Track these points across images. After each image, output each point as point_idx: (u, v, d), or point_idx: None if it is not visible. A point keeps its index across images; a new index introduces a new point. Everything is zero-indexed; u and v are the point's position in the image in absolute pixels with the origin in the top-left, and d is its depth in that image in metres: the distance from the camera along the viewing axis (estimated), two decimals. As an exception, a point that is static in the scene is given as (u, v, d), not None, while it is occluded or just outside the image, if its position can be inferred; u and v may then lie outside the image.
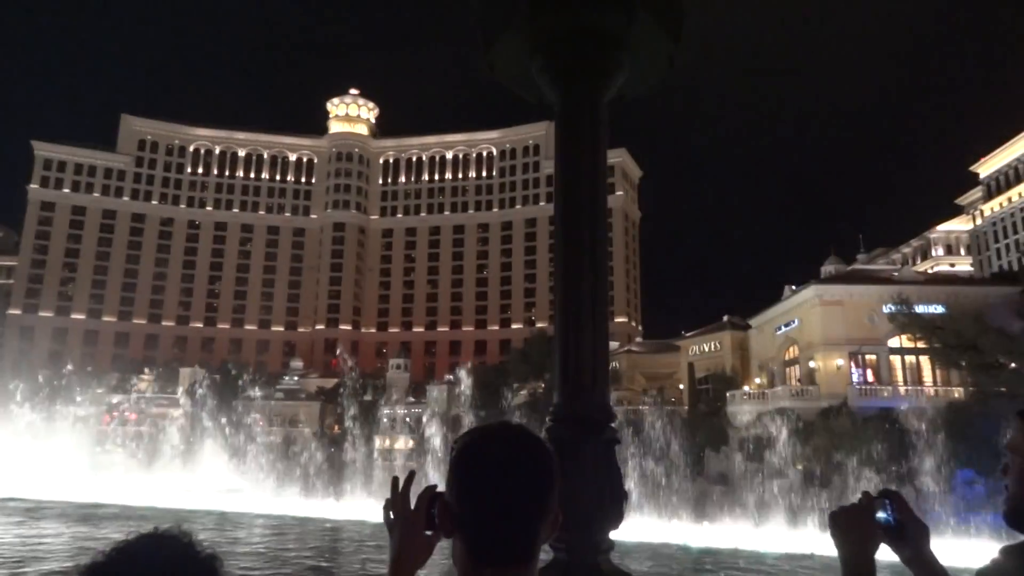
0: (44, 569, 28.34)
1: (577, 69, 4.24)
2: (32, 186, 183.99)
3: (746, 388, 77.40)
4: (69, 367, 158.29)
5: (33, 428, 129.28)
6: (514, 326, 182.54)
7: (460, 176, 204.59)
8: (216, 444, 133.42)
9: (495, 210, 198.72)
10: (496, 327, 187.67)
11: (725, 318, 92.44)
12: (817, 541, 35.00)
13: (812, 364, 69.14)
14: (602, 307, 4.04)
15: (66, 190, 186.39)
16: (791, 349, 75.59)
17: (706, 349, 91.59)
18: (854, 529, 2.28)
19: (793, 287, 79.50)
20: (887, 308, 65.17)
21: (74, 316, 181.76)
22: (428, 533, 2.14)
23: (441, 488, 2.15)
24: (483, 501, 1.93)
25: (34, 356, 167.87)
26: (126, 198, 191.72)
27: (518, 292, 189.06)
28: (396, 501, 2.21)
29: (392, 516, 2.19)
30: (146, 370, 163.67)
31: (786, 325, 75.80)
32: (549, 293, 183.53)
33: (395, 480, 2.28)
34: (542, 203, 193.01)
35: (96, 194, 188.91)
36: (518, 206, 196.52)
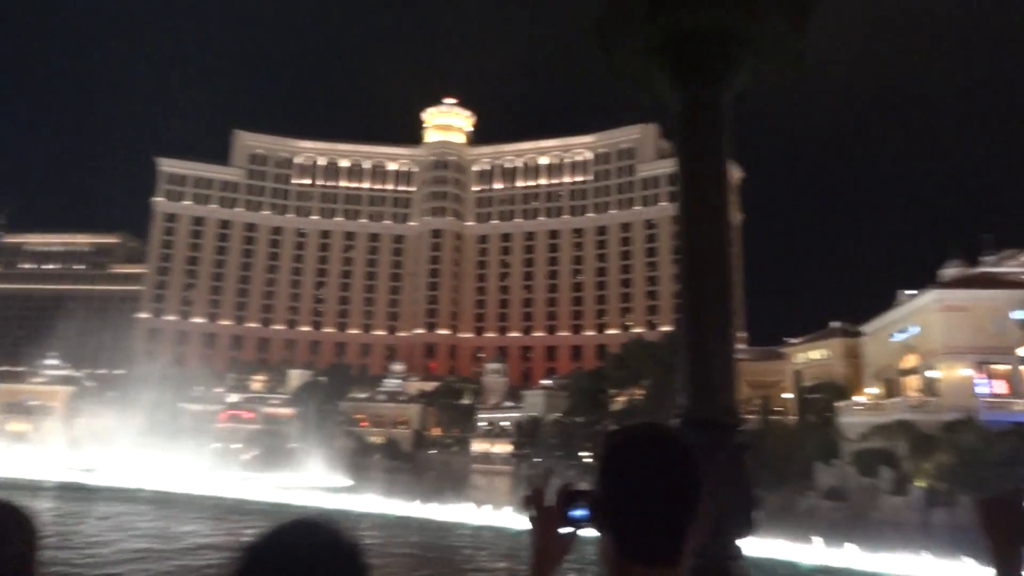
0: (193, 558, 30.34)
1: (698, 68, 4.15)
2: (157, 199, 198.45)
3: (859, 398, 73.40)
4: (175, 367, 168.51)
5: (159, 424, 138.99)
6: (610, 331, 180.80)
7: (554, 181, 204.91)
8: (324, 443, 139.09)
9: (590, 215, 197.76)
10: (592, 332, 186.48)
11: (835, 324, 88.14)
12: (941, 568, 32.70)
13: (933, 374, 64.74)
14: (728, 309, 3.95)
15: (187, 202, 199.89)
16: (909, 357, 71.08)
17: (814, 357, 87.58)
18: (1003, 519, 2.22)
19: (909, 292, 74.79)
20: (1018, 314, 60.24)
21: (194, 320, 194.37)
22: (566, 530, 2.21)
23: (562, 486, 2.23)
24: (636, 500, 1.96)
25: (160, 357, 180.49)
26: (240, 208, 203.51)
27: (614, 297, 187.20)
28: (534, 498, 2.27)
29: (530, 512, 2.26)
30: (259, 371, 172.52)
31: (902, 332, 71.32)
32: (646, 298, 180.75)
33: (532, 478, 2.43)
34: (637, 207, 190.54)
35: (213, 205, 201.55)
36: (613, 210, 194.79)
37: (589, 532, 2.15)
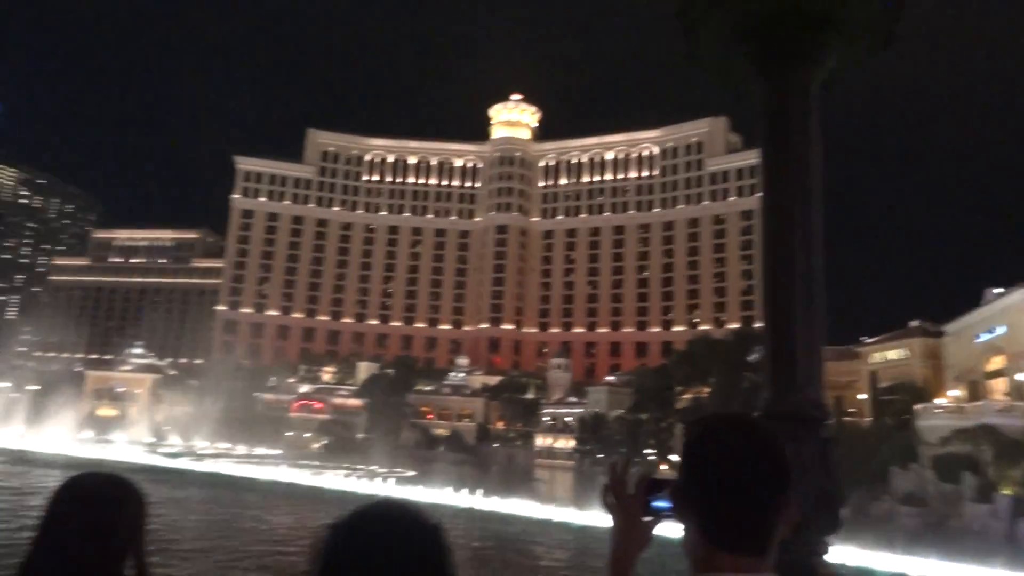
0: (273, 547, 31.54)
1: (784, 54, 4.06)
2: (235, 196, 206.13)
3: (939, 401, 70.11)
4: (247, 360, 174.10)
5: (235, 412, 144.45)
6: (676, 328, 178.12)
7: (620, 176, 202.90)
8: (390, 434, 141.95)
9: (656, 210, 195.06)
10: (657, 329, 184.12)
11: (914, 323, 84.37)
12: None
13: (1022, 376, 61.28)
14: (816, 302, 3.86)
15: (262, 199, 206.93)
16: (995, 359, 67.43)
17: (892, 357, 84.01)
18: None
19: (996, 290, 70.83)
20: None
21: (268, 312, 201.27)
22: (647, 519, 2.20)
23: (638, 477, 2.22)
24: (725, 488, 1.94)
25: (236, 348, 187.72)
26: (312, 205, 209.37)
27: (680, 293, 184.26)
28: (614, 487, 2.26)
29: (610, 502, 2.25)
30: (329, 363, 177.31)
31: (988, 332, 67.69)
32: (713, 295, 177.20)
33: (613, 466, 2.32)
34: (705, 202, 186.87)
35: (287, 202, 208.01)
36: (680, 205, 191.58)
37: (670, 523, 2.14)
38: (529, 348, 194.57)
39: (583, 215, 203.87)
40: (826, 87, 4.38)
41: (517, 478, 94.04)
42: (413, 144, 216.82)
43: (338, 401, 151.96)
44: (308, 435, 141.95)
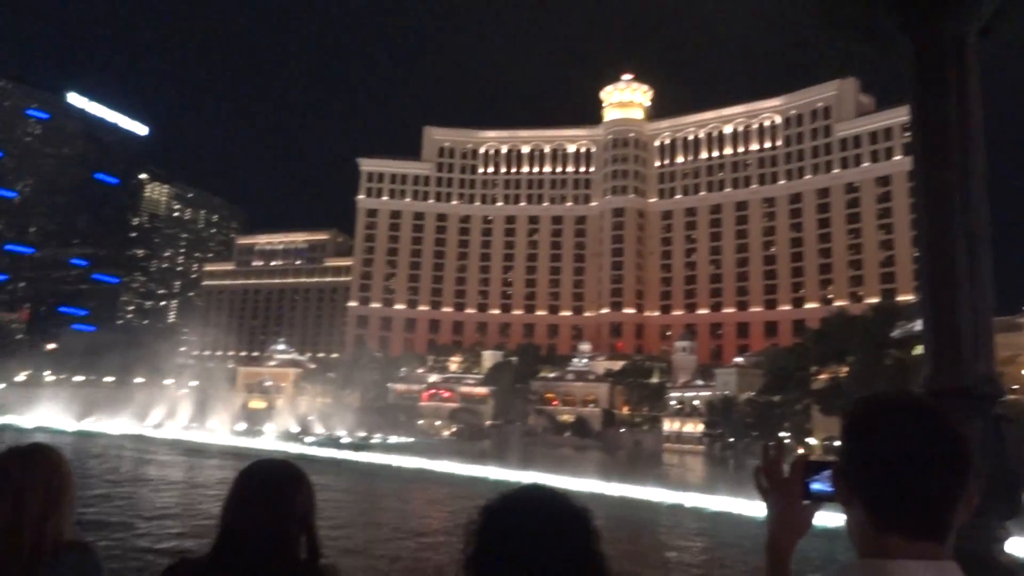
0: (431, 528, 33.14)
1: (936, 3, 3.78)
2: (360, 197, 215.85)
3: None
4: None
5: (371, 402, 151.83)
6: (808, 306, 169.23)
7: (740, 150, 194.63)
8: (516, 420, 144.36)
9: (781, 182, 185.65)
10: (787, 307, 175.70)
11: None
12: None
13: None
14: (983, 259, 3.55)
15: (384, 197, 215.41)
16: None
17: (1062, 327, 75.99)
18: None
19: None
20: None
21: (396, 306, 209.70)
22: (805, 503, 2.13)
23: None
24: (900, 469, 1.83)
25: (368, 341, 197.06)
26: (431, 200, 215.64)
27: (811, 269, 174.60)
28: (769, 470, 2.21)
29: (764, 485, 2.20)
30: (455, 353, 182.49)
31: None
32: (849, 268, 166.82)
33: (766, 448, 2.27)
34: (836, 170, 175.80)
35: (408, 199, 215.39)
36: (807, 176, 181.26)
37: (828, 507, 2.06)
38: (652, 331, 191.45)
39: (703, 193, 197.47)
40: (985, 33, 4.03)
41: (645, 463, 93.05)
42: (525, 133, 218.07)
43: (465, 389, 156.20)
44: (439, 423, 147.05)
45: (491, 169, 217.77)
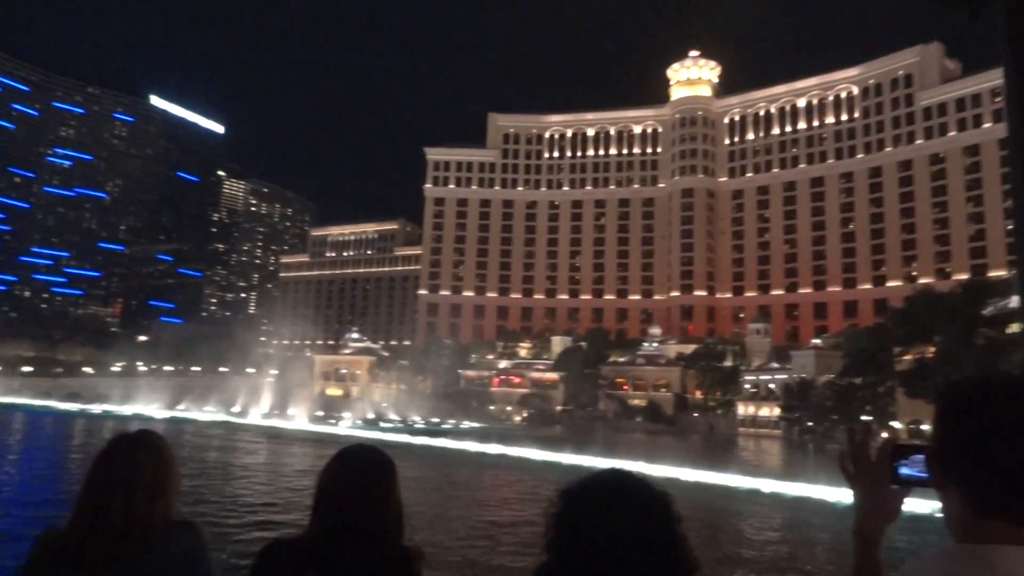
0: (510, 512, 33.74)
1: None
2: (427, 186, 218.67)
3: None
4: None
5: (442, 389, 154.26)
6: (890, 284, 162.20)
7: (815, 124, 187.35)
8: (587, 405, 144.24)
9: (859, 156, 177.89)
10: (868, 285, 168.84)
11: None
12: None
13: None
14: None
15: (451, 186, 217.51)
16: None
17: None
18: None
19: None
20: None
21: (465, 293, 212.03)
22: (894, 489, 2.07)
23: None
24: (999, 452, 1.76)
25: (438, 328, 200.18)
26: (497, 187, 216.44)
27: (893, 245, 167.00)
28: (855, 454, 2.15)
29: (851, 470, 2.15)
30: (524, 339, 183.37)
31: None
32: (935, 244, 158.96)
33: (851, 431, 2.22)
34: (919, 141, 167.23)
35: (474, 187, 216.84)
36: (888, 148, 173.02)
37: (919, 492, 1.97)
38: (724, 314, 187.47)
39: (775, 170, 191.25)
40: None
41: (719, 447, 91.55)
42: (590, 116, 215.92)
43: (535, 375, 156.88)
44: (510, 408, 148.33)
45: (556, 154, 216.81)
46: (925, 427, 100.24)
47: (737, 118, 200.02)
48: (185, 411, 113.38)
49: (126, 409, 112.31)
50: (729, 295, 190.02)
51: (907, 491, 2.06)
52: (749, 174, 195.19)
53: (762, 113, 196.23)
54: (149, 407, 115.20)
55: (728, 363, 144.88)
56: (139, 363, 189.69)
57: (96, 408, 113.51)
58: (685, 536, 2.03)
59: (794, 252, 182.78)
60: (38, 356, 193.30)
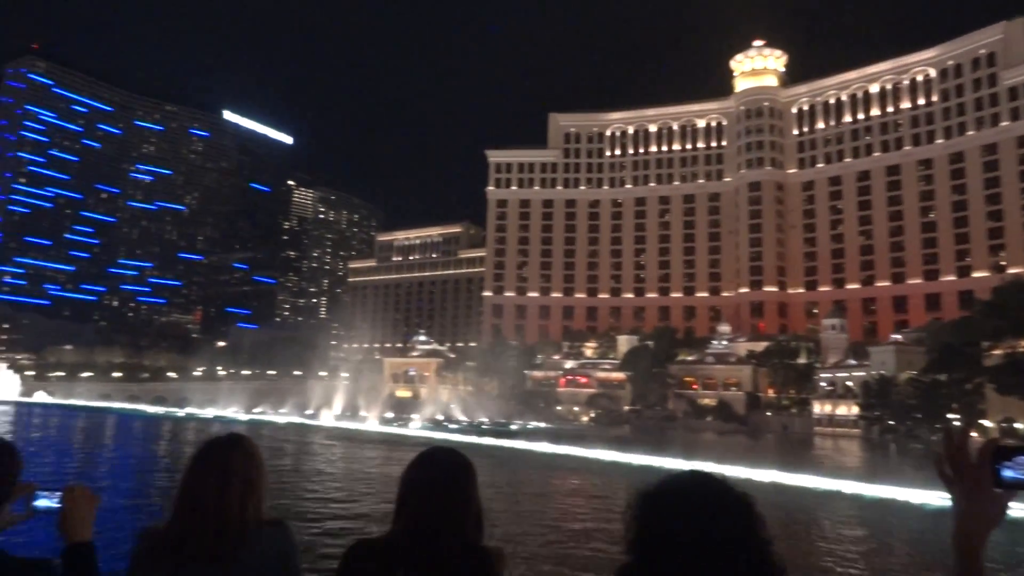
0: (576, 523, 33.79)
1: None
2: (489, 188, 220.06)
3: None
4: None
5: (509, 390, 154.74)
6: (976, 274, 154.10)
7: (890, 110, 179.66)
8: (656, 405, 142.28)
9: (939, 141, 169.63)
10: (951, 277, 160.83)
11: None
12: None
13: None
14: None
15: (513, 187, 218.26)
16: None
17: None
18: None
19: None
20: None
21: (530, 294, 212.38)
22: (997, 492, 1.98)
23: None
24: None
25: (503, 330, 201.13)
26: (559, 187, 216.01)
27: (978, 233, 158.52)
28: (953, 456, 2.06)
29: (949, 473, 2.06)
30: (589, 339, 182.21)
31: None
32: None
33: (949, 433, 2.12)
34: (1004, 123, 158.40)
35: (536, 187, 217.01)
36: (970, 132, 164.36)
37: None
38: (797, 309, 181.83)
39: (847, 159, 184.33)
40: None
41: (794, 448, 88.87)
42: (652, 112, 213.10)
43: (602, 375, 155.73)
44: (577, 408, 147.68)
45: (618, 151, 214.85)
46: (1019, 425, 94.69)
47: (806, 107, 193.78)
48: (262, 413, 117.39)
49: (207, 412, 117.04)
50: (801, 290, 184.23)
51: (1011, 495, 1.96)
52: (820, 165, 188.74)
53: (832, 101, 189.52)
54: (229, 410, 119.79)
55: (802, 360, 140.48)
56: (218, 367, 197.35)
57: (180, 411, 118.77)
58: (770, 538, 1.95)
59: (870, 244, 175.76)
60: (126, 362, 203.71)
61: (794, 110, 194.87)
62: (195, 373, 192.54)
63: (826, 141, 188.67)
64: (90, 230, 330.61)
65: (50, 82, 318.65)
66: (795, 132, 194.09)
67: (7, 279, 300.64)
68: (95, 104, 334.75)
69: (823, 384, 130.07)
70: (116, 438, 61.17)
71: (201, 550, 3.24)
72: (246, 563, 3.29)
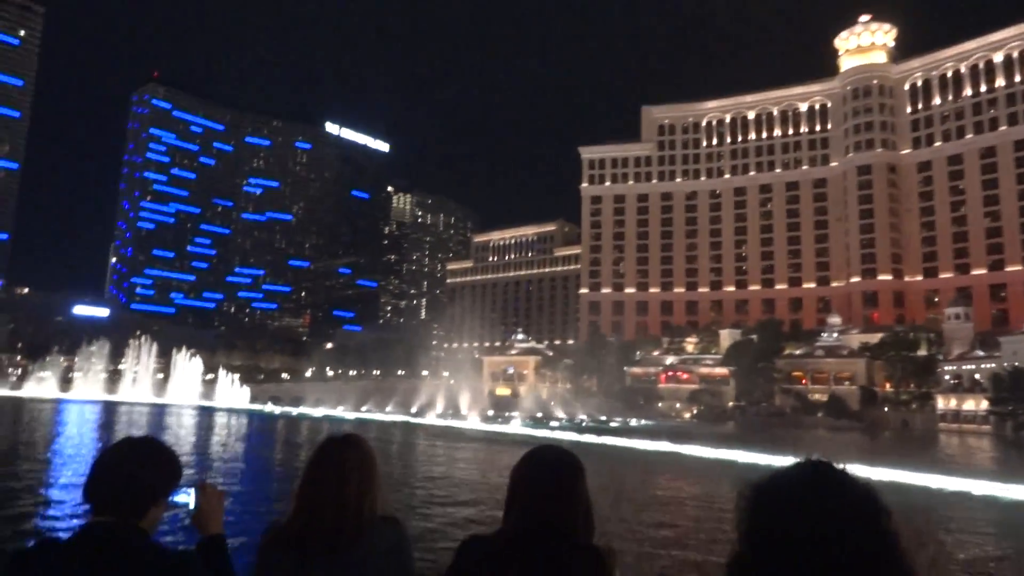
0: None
1: None
2: (583, 185, 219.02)
3: None
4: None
5: (608, 387, 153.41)
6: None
7: (1017, 79, 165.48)
8: (761, 401, 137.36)
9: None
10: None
11: None
12: None
13: None
14: None
15: (607, 183, 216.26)
16: None
17: None
18: None
19: None
20: None
21: (627, 290, 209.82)
22: None
23: None
24: None
25: (601, 326, 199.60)
26: (654, 181, 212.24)
27: None
28: None
29: None
30: (690, 334, 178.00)
31: None
32: None
33: None
34: None
35: (630, 182, 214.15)
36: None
37: None
38: (914, 298, 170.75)
39: (969, 136, 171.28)
40: None
41: (916, 444, 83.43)
42: (750, 98, 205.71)
43: (704, 370, 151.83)
44: (678, 405, 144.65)
45: (715, 141, 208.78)
46: None
47: (919, 83, 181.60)
48: (368, 412, 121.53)
49: (318, 411, 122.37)
50: (919, 278, 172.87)
51: None
52: (937, 143, 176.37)
53: (950, 74, 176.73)
54: (337, 409, 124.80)
55: (922, 352, 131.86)
56: (327, 368, 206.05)
57: (294, 410, 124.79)
58: (897, 532, 1.79)
59: (997, 226, 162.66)
60: (244, 364, 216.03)
61: (906, 87, 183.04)
62: (306, 374, 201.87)
63: (944, 117, 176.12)
64: (208, 242, 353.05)
65: (169, 106, 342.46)
66: (908, 110, 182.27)
67: (139, 290, 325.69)
68: (209, 124, 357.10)
69: (947, 377, 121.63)
70: (247, 436, 65.13)
71: (321, 544, 3.40)
72: (363, 556, 3.43)
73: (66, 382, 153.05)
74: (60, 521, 22.41)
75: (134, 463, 3.27)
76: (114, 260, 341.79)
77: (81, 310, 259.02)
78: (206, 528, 3.57)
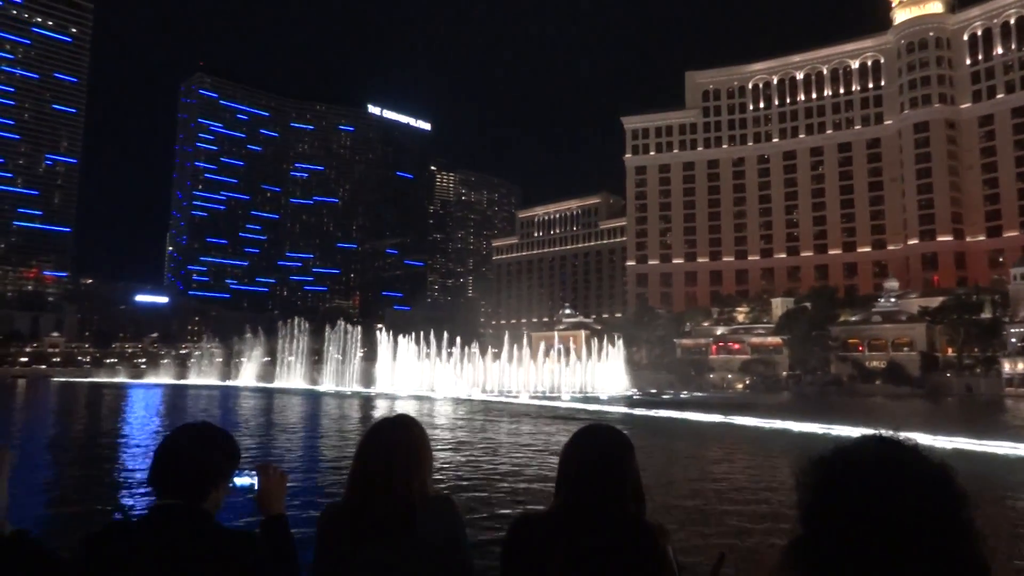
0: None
1: None
2: (627, 156, 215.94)
3: None
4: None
5: (659, 359, 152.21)
6: None
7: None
8: (817, 369, 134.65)
9: None
10: None
11: None
12: None
13: None
14: None
15: (651, 153, 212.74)
16: None
17: None
18: None
19: None
20: None
21: (675, 261, 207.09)
22: None
23: None
24: None
25: (649, 298, 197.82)
26: (700, 148, 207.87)
27: None
28: None
29: None
30: (740, 303, 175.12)
31: None
32: None
33: None
34: None
35: (675, 151, 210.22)
36: None
37: None
38: (978, 259, 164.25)
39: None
40: None
41: (981, 411, 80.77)
42: (798, 58, 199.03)
43: (755, 340, 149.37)
44: (730, 376, 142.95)
45: (762, 104, 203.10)
46: None
47: (979, 32, 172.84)
48: (420, 390, 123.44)
49: (371, 389, 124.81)
50: (982, 237, 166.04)
51: None
52: (1000, 95, 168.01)
53: (1013, 21, 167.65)
54: (392, 387, 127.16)
55: (987, 315, 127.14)
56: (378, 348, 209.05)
57: (347, 390, 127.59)
58: (973, 519, 1.62)
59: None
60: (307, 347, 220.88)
61: (965, 37, 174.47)
62: (357, 354, 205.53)
63: (1007, 67, 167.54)
64: (258, 227, 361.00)
65: (215, 95, 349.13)
66: (967, 62, 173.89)
67: (195, 277, 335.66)
68: (255, 111, 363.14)
69: (1014, 340, 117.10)
70: (299, 417, 66.95)
71: (374, 526, 3.43)
72: (417, 537, 3.44)
73: (134, 367, 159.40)
74: (141, 500, 23.44)
75: (195, 447, 3.37)
76: (171, 248, 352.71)
77: (143, 298, 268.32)
78: (268, 509, 3.64)
